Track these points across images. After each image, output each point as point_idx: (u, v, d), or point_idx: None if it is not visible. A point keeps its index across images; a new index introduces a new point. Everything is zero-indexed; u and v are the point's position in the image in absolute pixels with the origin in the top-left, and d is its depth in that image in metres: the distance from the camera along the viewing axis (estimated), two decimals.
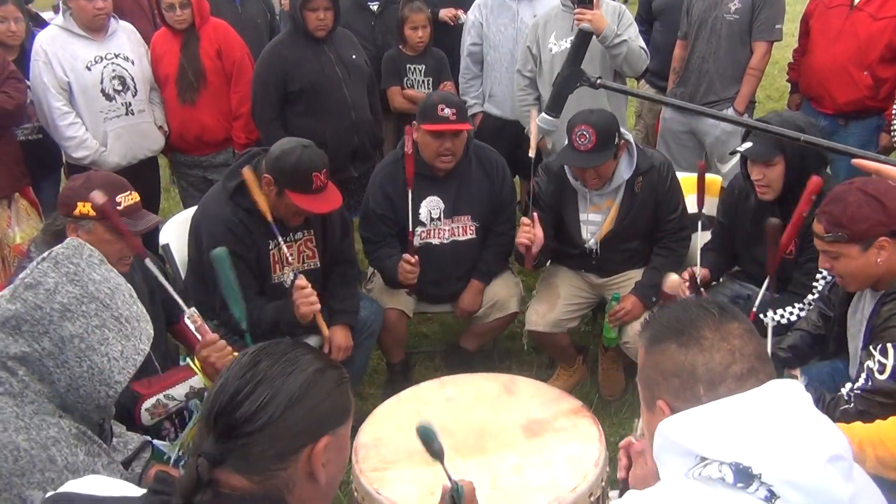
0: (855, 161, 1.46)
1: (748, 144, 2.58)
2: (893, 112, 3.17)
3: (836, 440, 1.03)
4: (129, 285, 1.57)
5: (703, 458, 1.03)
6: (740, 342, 1.12)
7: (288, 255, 2.79)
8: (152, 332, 1.58)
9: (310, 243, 2.89)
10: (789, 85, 4.20)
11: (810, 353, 2.47)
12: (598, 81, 1.74)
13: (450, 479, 1.56)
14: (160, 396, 2.15)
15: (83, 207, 2.16)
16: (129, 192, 2.24)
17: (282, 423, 1.09)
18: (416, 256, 2.99)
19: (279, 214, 2.70)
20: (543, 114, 1.91)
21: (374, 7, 4.17)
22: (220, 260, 2.33)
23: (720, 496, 1.00)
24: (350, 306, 2.98)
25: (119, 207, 2.19)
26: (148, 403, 2.12)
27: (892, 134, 3.21)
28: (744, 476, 0.99)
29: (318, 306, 2.71)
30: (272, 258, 2.79)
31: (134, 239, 2.20)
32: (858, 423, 1.88)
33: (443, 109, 2.89)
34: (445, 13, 4.21)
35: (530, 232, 2.80)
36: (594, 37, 3.33)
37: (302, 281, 2.68)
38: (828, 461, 0.99)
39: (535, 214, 2.85)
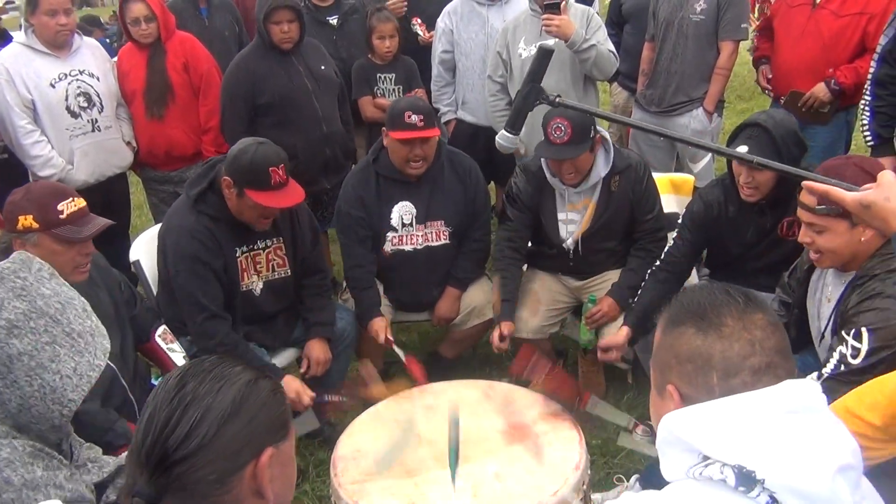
0: (805, 184, 1.46)
1: (743, 148, 2.54)
2: (862, 105, 3.20)
3: (848, 448, 1.00)
4: (82, 299, 1.52)
5: (706, 458, 1.00)
6: (762, 334, 1.07)
7: (255, 263, 2.78)
8: (109, 346, 1.52)
9: (279, 251, 2.85)
10: (759, 86, 4.22)
11: None
12: (557, 100, 1.73)
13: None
14: None
15: (25, 221, 2.12)
16: (71, 199, 2.20)
17: (218, 441, 1.04)
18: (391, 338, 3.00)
19: (245, 219, 2.66)
20: (503, 131, 1.88)
21: (334, 21, 4.13)
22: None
23: (719, 499, 0.98)
24: (326, 318, 2.95)
25: (62, 216, 2.14)
26: None
27: (861, 125, 3.24)
28: (746, 480, 0.96)
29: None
30: (240, 265, 2.75)
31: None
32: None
33: (409, 116, 2.88)
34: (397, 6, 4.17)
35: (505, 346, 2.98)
36: (563, 42, 3.36)
37: (294, 383, 2.71)
38: (837, 471, 0.96)
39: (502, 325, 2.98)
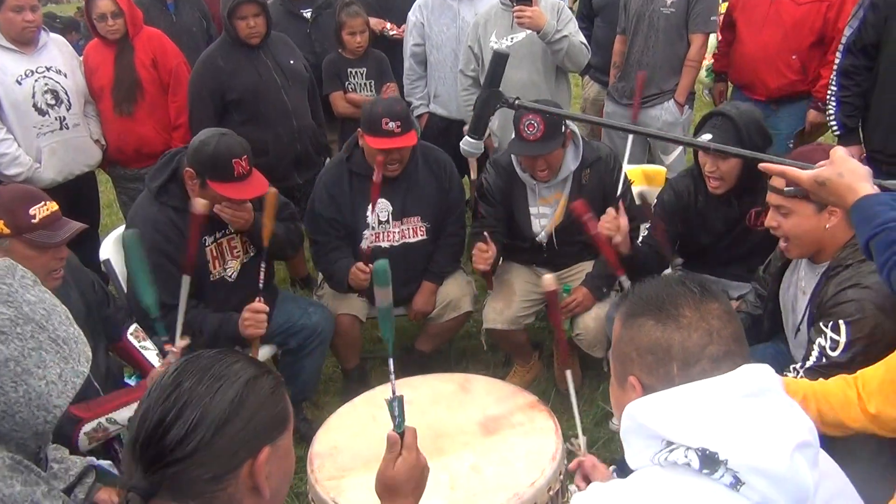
0: (762, 165, 1.49)
1: (707, 136, 2.57)
2: (828, 95, 3.25)
3: (804, 426, 1.03)
4: (64, 307, 1.51)
5: (670, 443, 1.02)
6: (719, 323, 1.09)
7: (230, 247, 2.77)
8: (90, 354, 1.51)
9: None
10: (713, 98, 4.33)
11: (752, 335, 2.50)
12: (517, 102, 1.76)
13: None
14: (101, 420, 2.08)
15: None
16: (43, 203, 2.15)
17: (215, 444, 1.03)
18: (370, 266, 2.95)
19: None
20: (467, 137, 1.89)
21: (307, 14, 4.11)
22: (129, 244, 2.26)
23: (685, 482, 0.99)
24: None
25: (34, 220, 2.11)
26: (87, 427, 2.05)
27: (827, 115, 3.30)
28: (710, 462, 0.98)
29: (264, 331, 2.67)
30: (210, 254, 2.73)
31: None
32: (805, 380, 1.90)
33: (387, 123, 2.85)
34: (376, 24, 4.18)
35: (489, 256, 2.85)
36: (536, 33, 3.38)
37: (259, 304, 2.64)
38: (795, 449, 0.98)
39: (485, 235, 2.86)
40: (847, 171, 1.35)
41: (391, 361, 1.64)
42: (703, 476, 0.98)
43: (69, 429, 2.05)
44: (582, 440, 2.09)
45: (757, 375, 1.06)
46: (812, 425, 1.04)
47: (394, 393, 1.55)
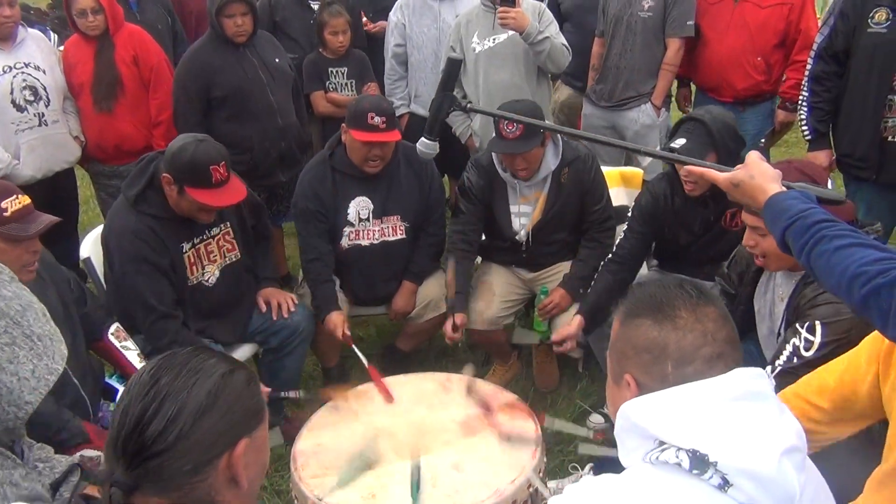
0: (686, 168, 1.55)
1: (681, 140, 2.60)
2: (800, 100, 3.33)
3: (793, 431, 1.07)
4: (41, 305, 1.51)
5: (662, 443, 1.06)
6: (714, 326, 1.13)
7: (207, 252, 2.79)
8: (66, 352, 1.51)
9: (227, 236, 2.86)
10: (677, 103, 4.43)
11: None
12: (469, 106, 1.90)
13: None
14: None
15: None
16: (15, 197, 2.15)
17: (194, 435, 1.07)
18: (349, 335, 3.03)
19: (186, 213, 2.65)
20: (423, 138, 1.93)
21: (315, 6, 4.14)
22: None
23: (674, 481, 1.03)
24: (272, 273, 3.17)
25: (6, 214, 2.11)
26: (90, 453, 2.05)
27: (799, 120, 3.38)
28: (700, 463, 1.01)
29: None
30: (188, 260, 2.73)
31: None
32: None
33: (373, 118, 2.89)
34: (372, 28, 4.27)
35: (458, 337, 3.05)
36: (518, 34, 3.41)
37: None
38: (783, 453, 1.02)
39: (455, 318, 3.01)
40: (758, 173, 1.41)
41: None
42: (692, 476, 1.02)
43: (72, 438, 2.08)
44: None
45: (749, 379, 1.10)
46: (800, 430, 1.09)
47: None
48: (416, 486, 1.54)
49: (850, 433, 1.68)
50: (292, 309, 2.97)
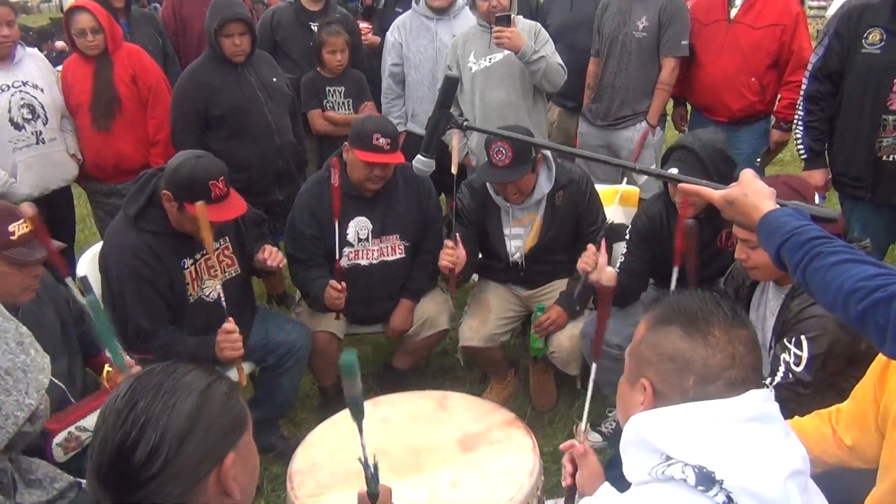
0: (681, 186, 1.56)
1: (673, 170, 2.58)
2: (796, 120, 3.35)
3: (798, 455, 1.07)
4: (19, 331, 1.45)
5: (669, 458, 1.06)
6: (744, 350, 1.13)
7: (208, 268, 2.77)
8: (47, 381, 1.47)
9: (227, 251, 2.85)
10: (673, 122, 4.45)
11: None
12: (465, 123, 1.86)
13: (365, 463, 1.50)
14: (71, 429, 2.06)
15: None
16: (22, 221, 2.14)
17: (180, 458, 1.04)
18: (343, 283, 2.97)
19: (187, 231, 2.65)
20: (419, 155, 1.95)
21: (315, 27, 4.17)
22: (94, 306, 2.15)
23: (679, 496, 1.03)
24: None
25: (13, 237, 2.10)
26: (59, 438, 2.03)
27: (795, 139, 3.40)
28: (706, 480, 1.02)
29: (242, 352, 2.67)
30: (189, 276, 2.73)
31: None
32: None
33: (378, 139, 2.90)
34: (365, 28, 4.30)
35: (453, 255, 2.82)
36: (514, 54, 3.44)
37: (230, 325, 2.63)
38: (788, 476, 1.02)
39: (457, 236, 2.88)
40: (752, 191, 1.42)
41: (363, 423, 1.52)
42: (697, 492, 1.02)
43: (42, 443, 2.04)
44: (585, 424, 2.10)
45: (761, 402, 1.10)
46: (805, 453, 1.09)
47: (364, 454, 1.49)
48: (375, 480, 1.52)
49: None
50: (280, 262, 2.93)
